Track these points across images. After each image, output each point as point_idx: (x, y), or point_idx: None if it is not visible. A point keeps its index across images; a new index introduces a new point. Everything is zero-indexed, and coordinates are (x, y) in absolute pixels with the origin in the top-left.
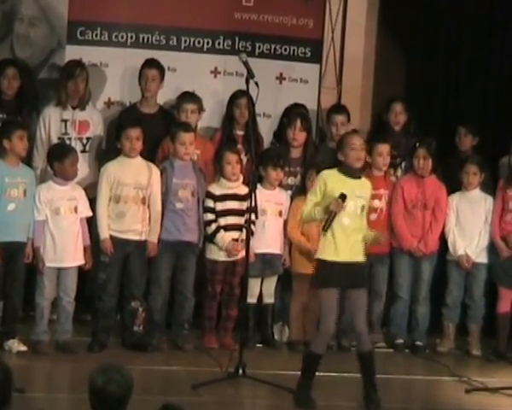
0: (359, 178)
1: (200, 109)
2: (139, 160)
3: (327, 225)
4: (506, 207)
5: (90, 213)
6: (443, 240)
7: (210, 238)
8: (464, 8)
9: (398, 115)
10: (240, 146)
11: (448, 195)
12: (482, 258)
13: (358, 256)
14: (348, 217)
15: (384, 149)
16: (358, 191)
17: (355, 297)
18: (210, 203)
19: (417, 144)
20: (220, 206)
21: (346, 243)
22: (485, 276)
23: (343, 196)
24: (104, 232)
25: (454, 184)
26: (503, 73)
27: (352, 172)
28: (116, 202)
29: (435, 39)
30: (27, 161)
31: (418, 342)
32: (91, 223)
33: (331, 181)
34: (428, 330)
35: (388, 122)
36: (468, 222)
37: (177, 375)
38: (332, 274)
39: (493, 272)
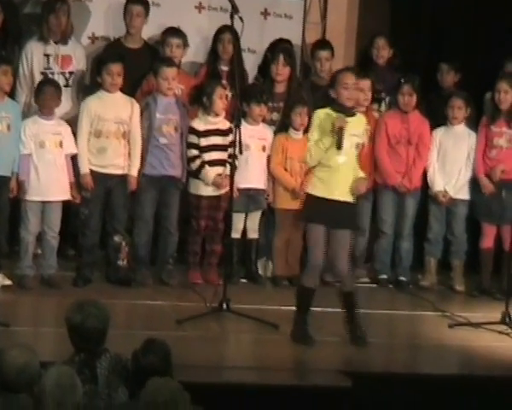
0: (353, 114)
1: (185, 45)
2: (119, 95)
3: (339, 142)
4: (490, 144)
5: (75, 151)
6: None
7: (195, 174)
8: None
9: (382, 50)
10: (224, 81)
11: (431, 131)
12: (463, 194)
13: (349, 196)
14: (344, 155)
15: (365, 84)
16: (353, 129)
17: (340, 237)
18: (194, 139)
19: (402, 80)
20: (204, 141)
21: (338, 181)
22: (465, 212)
23: (343, 121)
24: (84, 167)
25: (436, 121)
26: (490, 10)
27: (345, 110)
28: (97, 137)
29: None
30: (11, 95)
31: (402, 278)
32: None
33: (325, 119)
34: (412, 265)
35: (372, 57)
36: (451, 157)
37: (162, 310)
38: (321, 211)
39: (476, 209)
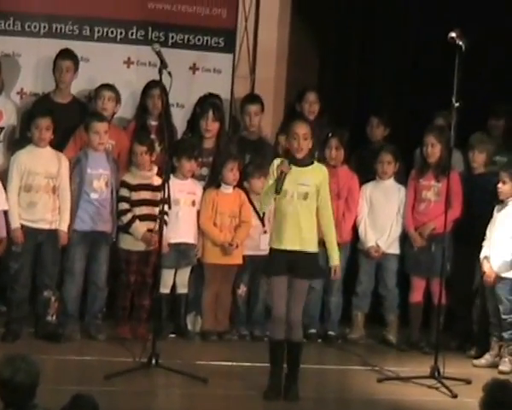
0: (310, 164)
1: (118, 100)
2: (48, 149)
3: (278, 185)
4: (419, 197)
5: (6, 207)
6: (356, 230)
7: (125, 228)
8: None
9: (312, 105)
10: (153, 136)
11: (360, 185)
12: (393, 249)
13: (306, 245)
14: (291, 204)
15: None
16: (303, 179)
17: (294, 287)
18: (125, 192)
19: (330, 134)
20: (135, 195)
21: (288, 231)
22: (396, 266)
23: (287, 164)
24: (15, 222)
25: (365, 175)
26: (417, 64)
27: (296, 160)
28: (27, 192)
29: (349, 29)
30: None
31: (331, 332)
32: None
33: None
34: (341, 319)
35: (301, 112)
36: (381, 212)
37: (91, 365)
38: (277, 262)
39: (405, 263)
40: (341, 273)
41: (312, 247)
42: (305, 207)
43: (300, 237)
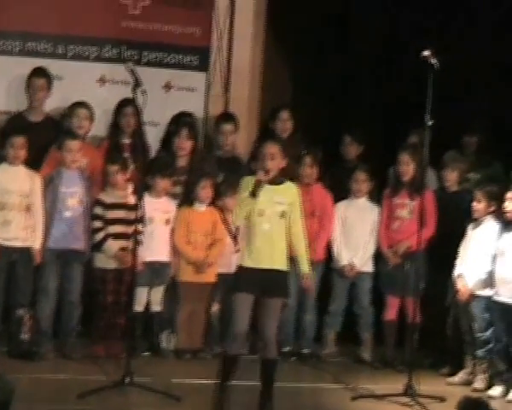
0: (282, 183)
1: (92, 118)
2: (22, 167)
3: (255, 190)
4: (392, 216)
5: None
6: (330, 248)
7: (98, 247)
8: (352, 17)
9: (285, 123)
10: (127, 155)
11: (333, 204)
12: (367, 267)
13: (278, 264)
14: (268, 222)
15: None
16: (277, 197)
17: (267, 305)
18: (99, 211)
19: (303, 153)
20: (109, 214)
21: (263, 250)
22: (370, 284)
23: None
24: None
25: (339, 194)
26: (392, 83)
27: (269, 180)
28: (1, 210)
29: (322, 49)
30: None
31: (305, 350)
32: None
33: (250, 187)
34: (315, 338)
35: (275, 130)
36: (355, 231)
37: (65, 384)
38: (246, 280)
39: (380, 281)
40: (315, 292)
41: (284, 265)
42: (280, 225)
43: (274, 256)
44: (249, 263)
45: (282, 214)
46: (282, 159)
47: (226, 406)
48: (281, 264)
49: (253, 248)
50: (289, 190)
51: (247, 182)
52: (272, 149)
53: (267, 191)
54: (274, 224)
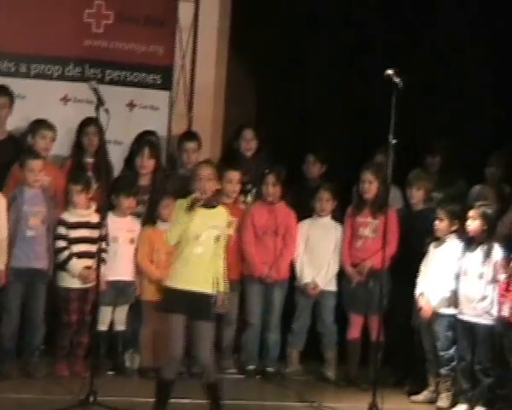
0: (214, 207)
1: (54, 138)
2: None
3: (191, 207)
4: (355, 234)
5: None
6: (293, 267)
7: (62, 266)
8: (315, 36)
9: (249, 142)
10: (90, 173)
11: (297, 222)
12: (331, 286)
13: (206, 287)
14: (201, 246)
15: (234, 176)
16: (212, 221)
17: (199, 329)
18: (62, 230)
19: (266, 171)
20: (73, 233)
21: (193, 272)
22: (334, 303)
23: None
24: None
25: (302, 212)
26: (355, 101)
27: (204, 202)
28: None
29: (286, 68)
30: None
31: (269, 368)
32: None
33: (184, 204)
34: (280, 356)
35: (239, 149)
36: (318, 249)
37: (28, 403)
38: (177, 301)
39: (343, 299)
40: (280, 310)
41: (211, 288)
42: (214, 249)
43: (203, 279)
44: (176, 284)
45: (217, 238)
46: (216, 181)
47: None
48: (208, 287)
49: (184, 271)
50: (221, 214)
51: (182, 204)
52: (208, 170)
53: (202, 215)
54: (207, 248)
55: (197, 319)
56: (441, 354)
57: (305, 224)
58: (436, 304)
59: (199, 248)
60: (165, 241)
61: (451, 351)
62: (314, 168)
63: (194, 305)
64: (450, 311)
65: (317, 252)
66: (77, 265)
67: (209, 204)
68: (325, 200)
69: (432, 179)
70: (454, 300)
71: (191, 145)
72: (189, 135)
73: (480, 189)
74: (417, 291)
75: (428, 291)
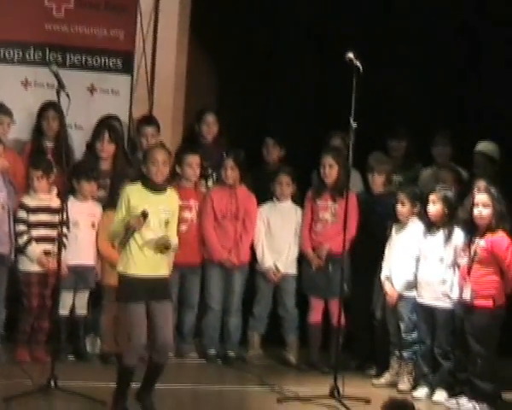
0: (164, 191)
1: (11, 122)
2: None
3: (125, 240)
4: (316, 218)
5: None
6: (253, 251)
7: (21, 250)
8: (276, 22)
9: (211, 126)
10: (50, 157)
11: (257, 206)
12: (291, 269)
13: (161, 270)
14: (152, 232)
15: (194, 160)
16: (162, 206)
17: (160, 310)
18: (23, 214)
19: (225, 155)
20: (33, 217)
21: (147, 258)
22: (294, 287)
23: (145, 214)
24: None
25: (261, 196)
26: (315, 86)
27: (155, 187)
28: None
29: (247, 52)
30: None
31: (230, 353)
32: None
33: (134, 197)
34: (241, 340)
35: (200, 133)
36: (279, 233)
37: None
38: (134, 288)
39: (303, 283)
40: (240, 294)
41: (166, 271)
42: (164, 233)
43: (156, 263)
44: (131, 271)
45: (167, 223)
46: (168, 166)
47: None
48: (163, 270)
49: (138, 257)
50: (171, 198)
51: (133, 192)
52: (163, 155)
53: (152, 200)
54: (158, 233)
55: (157, 300)
56: (404, 336)
57: (265, 208)
58: (400, 288)
59: (149, 234)
60: (109, 239)
61: (414, 334)
62: (273, 152)
63: (152, 289)
64: (415, 294)
65: (278, 236)
66: (36, 249)
67: (158, 188)
68: (285, 184)
69: (394, 163)
70: (417, 283)
71: (150, 130)
72: (148, 119)
73: (437, 171)
74: (382, 276)
75: (392, 275)
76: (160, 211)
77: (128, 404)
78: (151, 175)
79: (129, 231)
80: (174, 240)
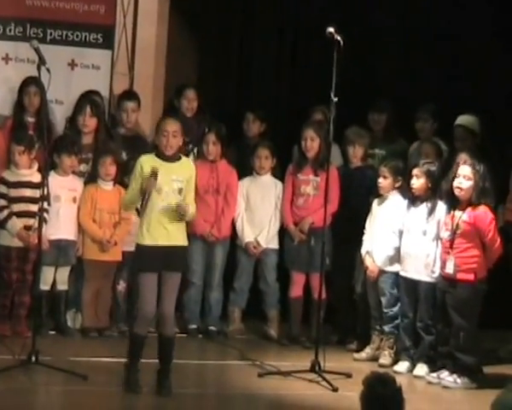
0: (178, 159)
1: None
2: None
3: (143, 204)
4: (297, 192)
5: None
6: (234, 225)
7: (1, 224)
8: None
9: (191, 102)
10: (31, 133)
11: (237, 180)
12: (273, 244)
13: (177, 240)
14: (165, 200)
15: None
16: (175, 175)
17: (168, 279)
18: (3, 189)
19: (206, 130)
20: (14, 192)
21: (162, 227)
22: (276, 261)
23: (155, 173)
24: None
25: (242, 170)
26: (295, 60)
27: (167, 156)
28: None
29: (228, 26)
30: None
31: (211, 327)
32: None
33: (146, 165)
34: (222, 315)
35: (180, 108)
36: (259, 208)
37: None
38: (149, 259)
39: (285, 257)
40: (222, 269)
41: (182, 240)
42: (177, 201)
43: (172, 232)
44: (149, 241)
45: (180, 191)
46: (181, 137)
47: (138, 385)
48: (179, 240)
49: (152, 226)
50: (186, 167)
51: (146, 161)
52: (175, 126)
53: (164, 169)
54: (171, 201)
55: (169, 270)
56: (385, 311)
57: (245, 182)
58: (381, 262)
59: (162, 203)
60: (122, 207)
61: (395, 309)
62: (254, 126)
63: (167, 259)
64: (396, 268)
65: (258, 210)
66: (16, 224)
67: (171, 158)
68: (264, 157)
69: (374, 137)
70: (398, 257)
71: (130, 105)
72: (129, 94)
73: (420, 145)
74: (363, 250)
75: (373, 250)
76: (172, 180)
77: (140, 376)
78: (161, 146)
79: (145, 195)
80: (191, 208)
